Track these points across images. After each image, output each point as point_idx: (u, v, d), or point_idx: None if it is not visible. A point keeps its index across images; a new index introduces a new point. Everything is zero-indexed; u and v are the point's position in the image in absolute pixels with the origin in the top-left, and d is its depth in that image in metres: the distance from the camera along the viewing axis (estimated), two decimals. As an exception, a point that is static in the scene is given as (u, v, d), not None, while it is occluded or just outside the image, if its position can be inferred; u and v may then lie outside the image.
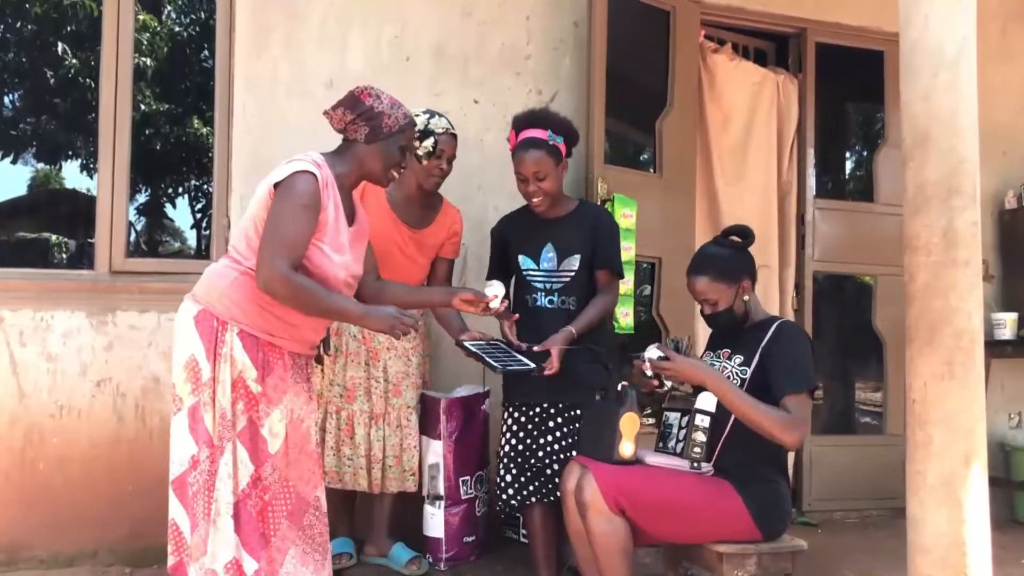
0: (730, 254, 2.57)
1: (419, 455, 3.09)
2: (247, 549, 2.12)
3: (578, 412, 2.81)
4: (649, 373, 2.49)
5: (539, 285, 2.88)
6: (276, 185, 2.15)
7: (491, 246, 3.07)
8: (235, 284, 2.18)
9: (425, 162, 2.96)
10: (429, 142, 2.95)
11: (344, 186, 2.27)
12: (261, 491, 2.15)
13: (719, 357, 2.58)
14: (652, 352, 2.46)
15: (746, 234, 2.62)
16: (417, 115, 2.98)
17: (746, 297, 2.55)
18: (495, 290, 2.55)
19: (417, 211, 3.07)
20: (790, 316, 4.10)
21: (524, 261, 2.92)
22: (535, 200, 2.82)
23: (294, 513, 2.21)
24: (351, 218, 2.32)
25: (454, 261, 3.22)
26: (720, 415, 2.44)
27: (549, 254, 2.88)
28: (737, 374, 2.49)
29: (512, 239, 2.96)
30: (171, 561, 2.20)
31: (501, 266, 3.01)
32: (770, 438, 2.35)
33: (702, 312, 2.60)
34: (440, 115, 3.04)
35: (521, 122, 2.85)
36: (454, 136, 3.03)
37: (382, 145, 2.26)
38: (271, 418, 2.18)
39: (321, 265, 2.19)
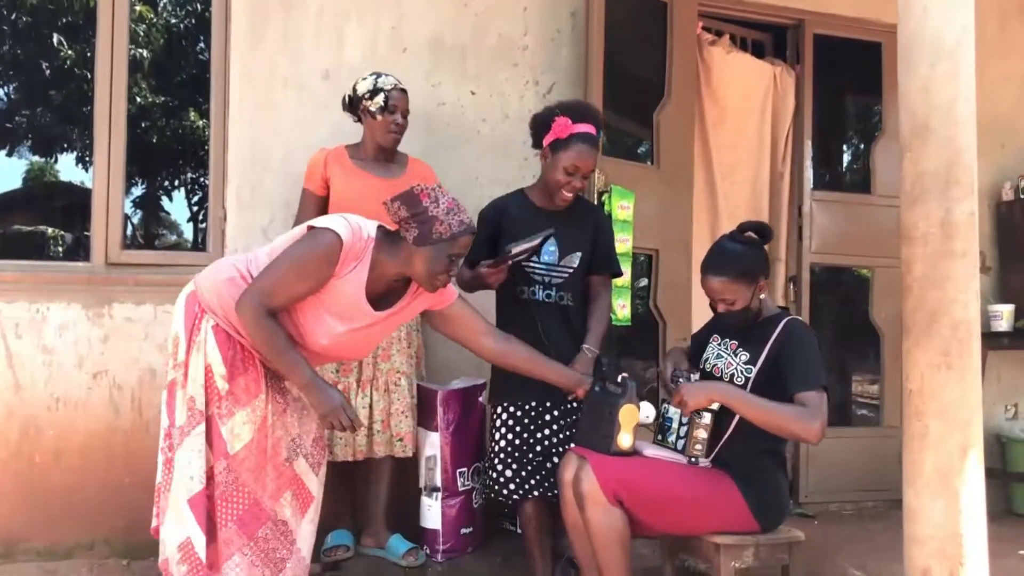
0: (749, 252, 2.48)
1: (415, 444, 3.08)
2: (203, 530, 2.12)
3: (574, 405, 2.80)
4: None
5: (537, 278, 2.84)
6: (310, 228, 2.18)
7: (478, 230, 2.87)
8: (228, 282, 2.19)
9: (379, 117, 3.03)
10: (380, 98, 3.03)
11: (376, 268, 2.20)
12: (213, 487, 2.14)
13: (727, 348, 2.54)
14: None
15: (764, 232, 2.54)
16: (364, 79, 3.09)
17: (762, 296, 2.49)
18: (647, 411, 2.46)
19: (382, 170, 3.09)
20: (784, 308, 4.09)
21: None
22: (570, 196, 2.77)
23: (245, 520, 2.16)
24: (382, 303, 2.25)
25: None
26: (724, 411, 2.43)
27: (551, 248, 2.84)
28: (742, 372, 2.46)
29: (509, 228, 2.86)
30: (154, 523, 2.25)
31: (487, 251, 2.87)
32: (793, 437, 2.33)
33: (712, 307, 2.55)
34: (387, 74, 3.10)
35: (576, 112, 2.75)
36: (404, 91, 3.10)
37: (430, 250, 2.17)
38: (234, 418, 2.15)
39: (307, 318, 2.18)
